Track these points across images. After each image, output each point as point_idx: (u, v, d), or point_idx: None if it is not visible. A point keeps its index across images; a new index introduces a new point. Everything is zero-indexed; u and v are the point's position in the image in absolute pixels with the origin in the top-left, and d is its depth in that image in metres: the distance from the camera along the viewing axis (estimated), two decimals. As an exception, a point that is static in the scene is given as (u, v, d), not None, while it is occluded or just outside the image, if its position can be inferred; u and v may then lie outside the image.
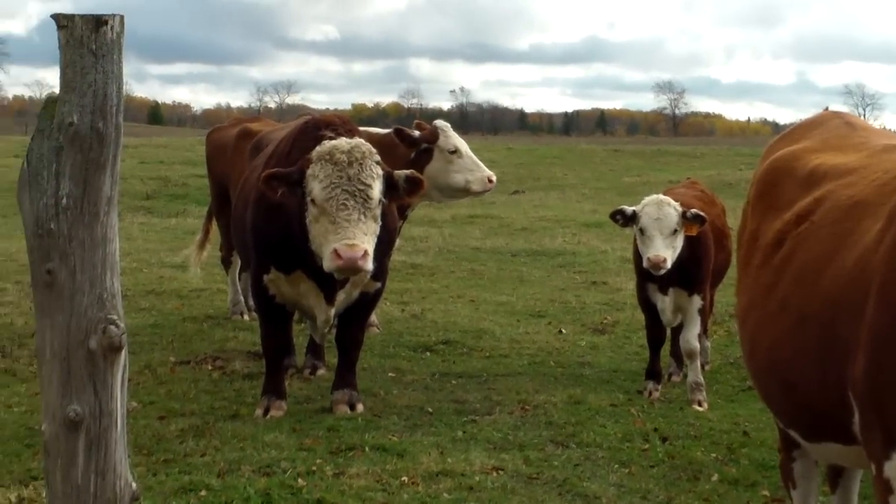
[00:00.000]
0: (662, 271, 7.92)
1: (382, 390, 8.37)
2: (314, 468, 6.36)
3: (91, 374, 3.65)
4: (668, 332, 8.88)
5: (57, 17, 3.60)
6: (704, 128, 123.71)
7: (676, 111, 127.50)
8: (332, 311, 7.68)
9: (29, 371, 8.46)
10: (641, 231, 7.99)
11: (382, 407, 7.89)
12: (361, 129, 8.78)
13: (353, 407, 7.74)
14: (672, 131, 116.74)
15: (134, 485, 3.82)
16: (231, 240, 10.19)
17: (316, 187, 6.94)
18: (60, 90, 3.61)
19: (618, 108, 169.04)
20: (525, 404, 7.98)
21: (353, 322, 7.95)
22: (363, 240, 6.85)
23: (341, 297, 7.64)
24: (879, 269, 3.57)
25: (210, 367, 9.02)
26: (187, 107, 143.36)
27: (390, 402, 8.06)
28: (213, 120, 74.28)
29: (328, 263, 6.88)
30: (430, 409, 7.84)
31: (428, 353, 9.79)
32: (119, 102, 3.64)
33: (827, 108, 6.13)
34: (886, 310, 3.49)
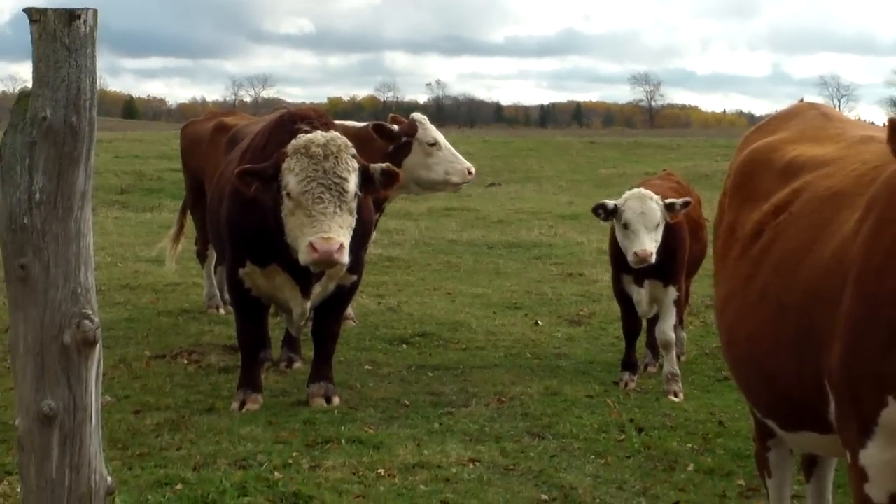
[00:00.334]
0: (646, 265, 7.94)
1: (358, 383, 8.37)
2: (290, 461, 6.35)
3: (65, 368, 3.65)
4: (644, 323, 8.91)
5: (29, 11, 3.59)
6: (680, 119, 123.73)
7: (652, 103, 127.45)
8: (308, 305, 7.67)
9: (2, 366, 8.40)
10: (625, 225, 7.98)
11: (358, 400, 7.89)
12: (337, 122, 8.78)
13: (329, 400, 7.73)
14: (648, 123, 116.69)
15: (109, 479, 3.82)
16: (206, 234, 10.17)
17: (291, 181, 6.92)
18: (33, 84, 3.60)
19: (594, 100, 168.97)
20: (501, 396, 7.99)
21: (330, 315, 7.95)
22: (339, 233, 6.84)
23: (317, 290, 7.63)
24: (856, 260, 3.58)
25: (185, 361, 9.00)
26: (162, 101, 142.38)
27: (366, 394, 8.06)
28: (188, 114, 73.85)
29: (304, 257, 6.87)
30: (407, 402, 7.84)
31: (404, 346, 9.79)
32: (93, 97, 3.63)
33: (802, 100, 6.14)
34: (862, 300, 3.51)
